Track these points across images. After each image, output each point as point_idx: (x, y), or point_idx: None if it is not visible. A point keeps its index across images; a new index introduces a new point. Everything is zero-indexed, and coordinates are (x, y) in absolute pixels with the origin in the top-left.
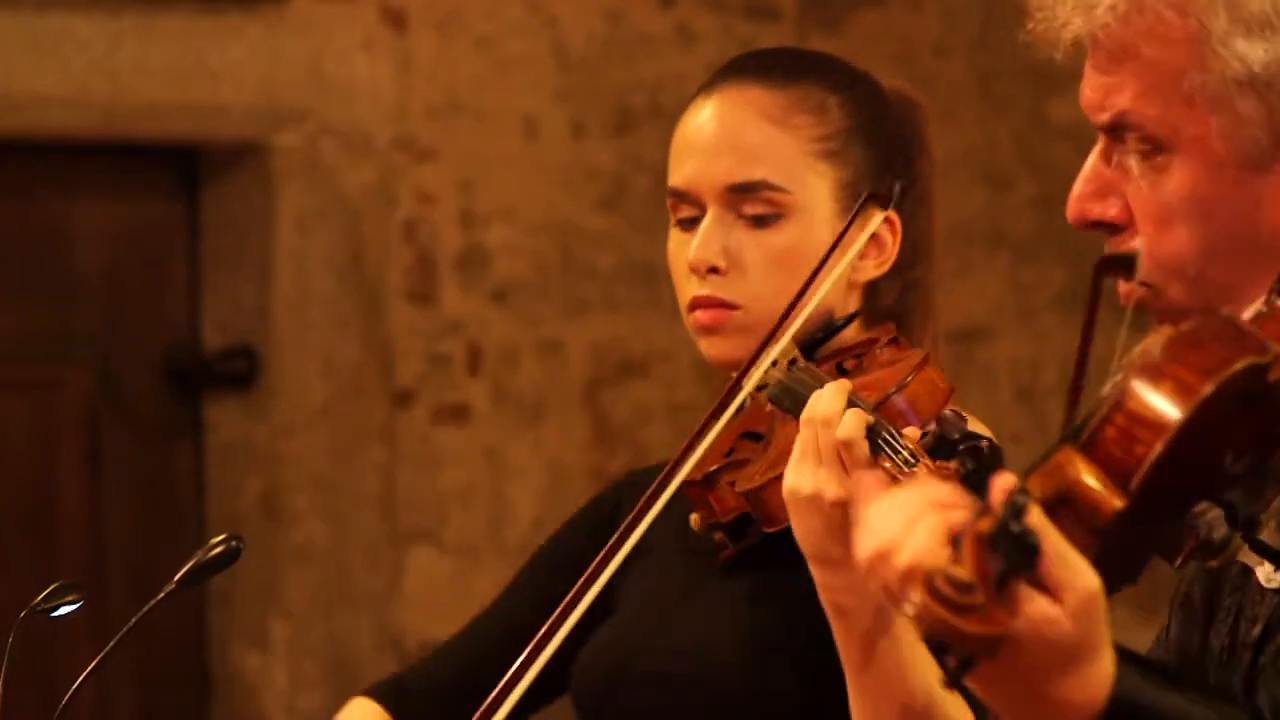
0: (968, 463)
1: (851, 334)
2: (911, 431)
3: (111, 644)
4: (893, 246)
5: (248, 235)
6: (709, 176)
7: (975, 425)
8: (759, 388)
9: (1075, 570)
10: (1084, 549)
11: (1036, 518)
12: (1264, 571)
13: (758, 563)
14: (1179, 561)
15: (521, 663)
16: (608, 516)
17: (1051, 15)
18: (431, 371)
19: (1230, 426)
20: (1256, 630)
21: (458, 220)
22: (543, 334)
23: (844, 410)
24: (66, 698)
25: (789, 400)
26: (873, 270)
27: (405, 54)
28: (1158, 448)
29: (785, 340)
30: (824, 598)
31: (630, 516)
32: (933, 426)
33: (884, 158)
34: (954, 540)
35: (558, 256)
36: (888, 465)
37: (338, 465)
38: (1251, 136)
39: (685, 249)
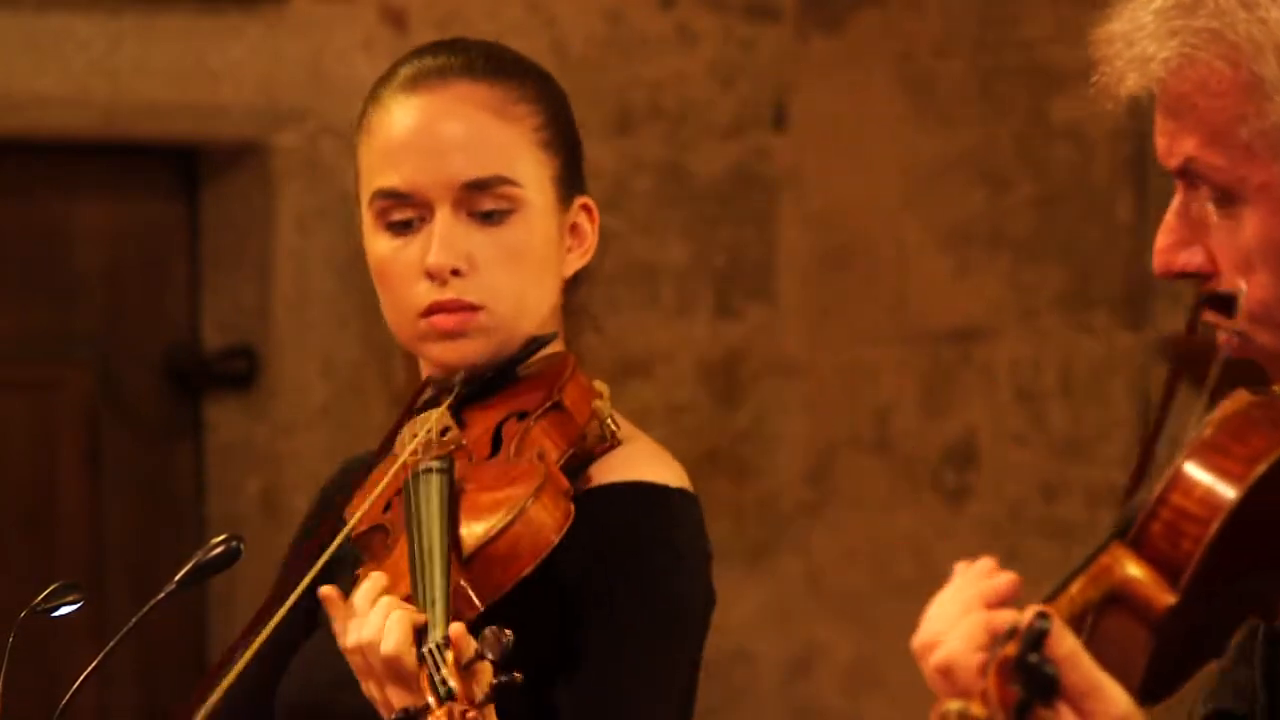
0: (493, 694)
1: (549, 351)
2: (458, 633)
3: (112, 644)
4: (593, 235)
5: (248, 235)
6: (440, 175)
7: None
8: (413, 454)
9: (1104, 698)
10: (1141, 646)
11: (1063, 645)
12: None
13: None
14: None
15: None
16: (330, 501)
17: (1110, 69)
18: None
19: None
20: None
21: None
22: None
23: (390, 627)
24: (67, 698)
25: (409, 503)
26: (578, 261)
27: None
28: (1205, 541)
29: (443, 408)
30: None
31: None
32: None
33: (578, 147)
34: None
35: None
36: (424, 682)
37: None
38: None
39: (402, 254)
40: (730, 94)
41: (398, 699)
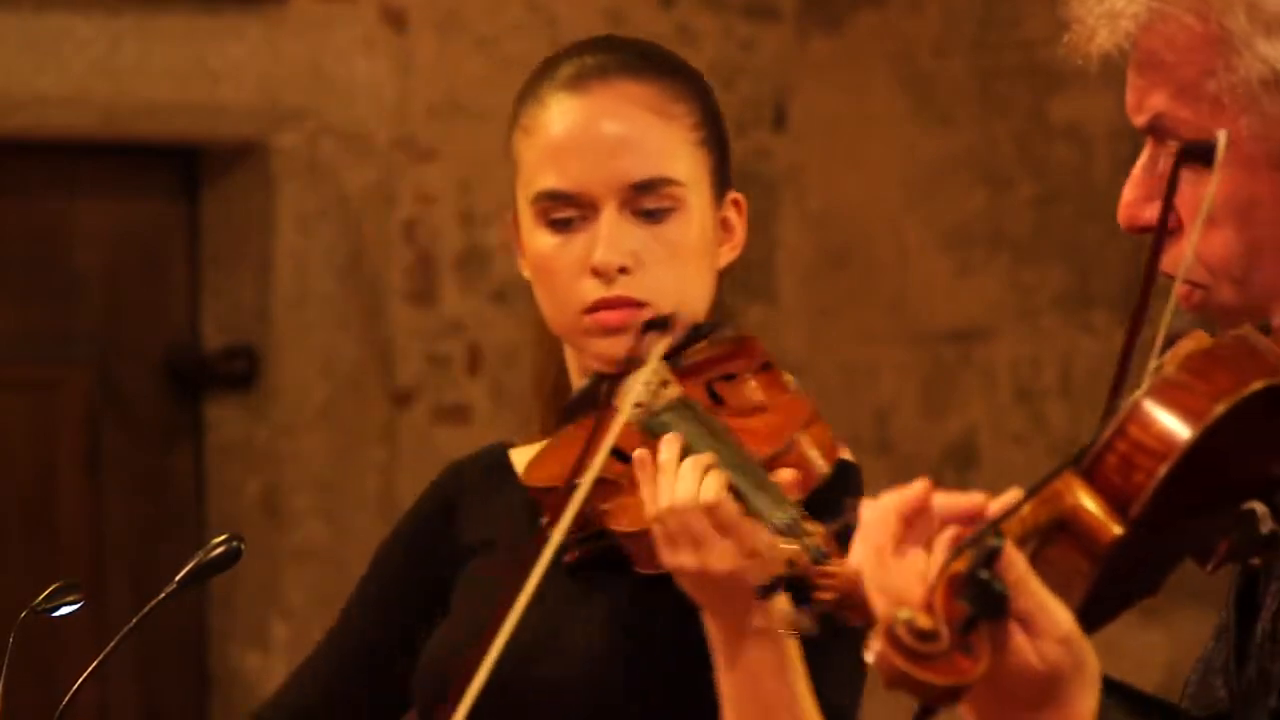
0: (850, 523)
1: (707, 348)
2: (786, 475)
3: (112, 644)
4: (741, 230)
5: (248, 235)
6: (607, 176)
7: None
8: (636, 405)
9: (1050, 616)
10: (1085, 574)
11: (1014, 564)
12: None
13: (606, 565)
14: (1212, 566)
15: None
16: (443, 524)
17: (1082, 25)
18: (431, 371)
19: (1254, 440)
20: None
21: (458, 220)
22: None
23: (701, 486)
24: (67, 698)
25: (661, 428)
26: (729, 255)
27: (405, 54)
28: (1158, 476)
29: (656, 358)
30: (715, 644)
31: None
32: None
33: (727, 143)
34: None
35: None
36: (792, 552)
37: (338, 465)
38: None
39: (564, 250)
40: (730, 94)
41: (716, 559)
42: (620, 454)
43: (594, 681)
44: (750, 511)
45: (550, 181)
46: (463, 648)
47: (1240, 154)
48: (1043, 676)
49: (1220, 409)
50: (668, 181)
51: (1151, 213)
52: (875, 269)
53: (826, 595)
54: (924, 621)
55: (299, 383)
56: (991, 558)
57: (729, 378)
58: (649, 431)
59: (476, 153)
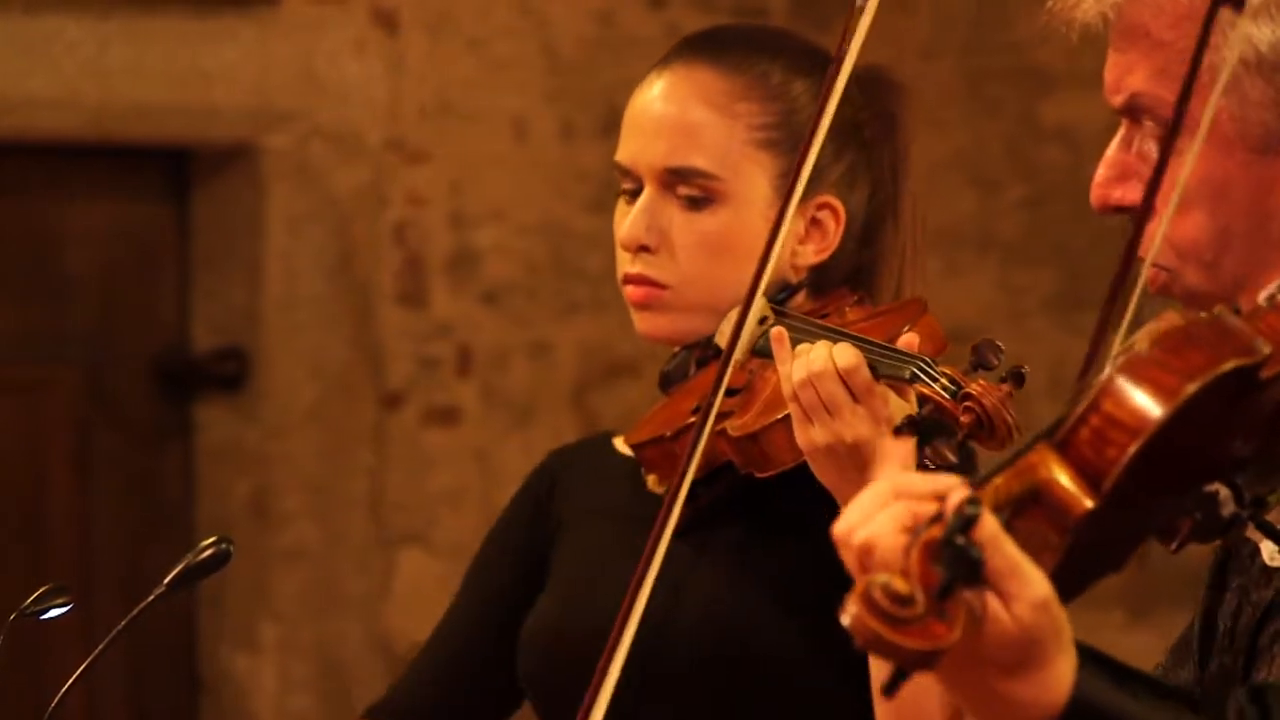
0: (1016, 387)
1: (801, 303)
2: (907, 338)
3: (101, 647)
4: (835, 233)
5: (238, 237)
6: (647, 156)
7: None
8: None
9: (1026, 581)
10: (1054, 547)
11: (988, 529)
12: (1268, 549)
13: (716, 522)
14: (1176, 545)
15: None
16: (546, 498)
17: None
18: (421, 373)
19: (1222, 420)
20: (1259, 613)
21: (448, 222)
22: (532, 335)
23: (838, 348)
24: (56, 700)
25: (769, 347)
26: (813, 256)
27: (396, 55)
28: (1130, 451)
29: (759, 301)
30: None
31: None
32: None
33: (835, 148)
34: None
35: (548, 258)
36: (927, 391)
37: (327, 467)
38: (1260, 119)
39: (621, 220)
40: None
41: (848, 428)
42: (728, 391)
43: (721, 628)
44: (879, 376)
45: (617, 152)
46: (571, 611)
47: (1217, 134)
48: (1018, 641)
49: (1192, 388)
50: (700, 174)
51: (1122, 193)
52: None
53: (966, 418)
54: (900, 586)
55: (289, 384)
56: (968, 524)
57: (824, 316)
58: (761, 355)
59: (467, 154)
